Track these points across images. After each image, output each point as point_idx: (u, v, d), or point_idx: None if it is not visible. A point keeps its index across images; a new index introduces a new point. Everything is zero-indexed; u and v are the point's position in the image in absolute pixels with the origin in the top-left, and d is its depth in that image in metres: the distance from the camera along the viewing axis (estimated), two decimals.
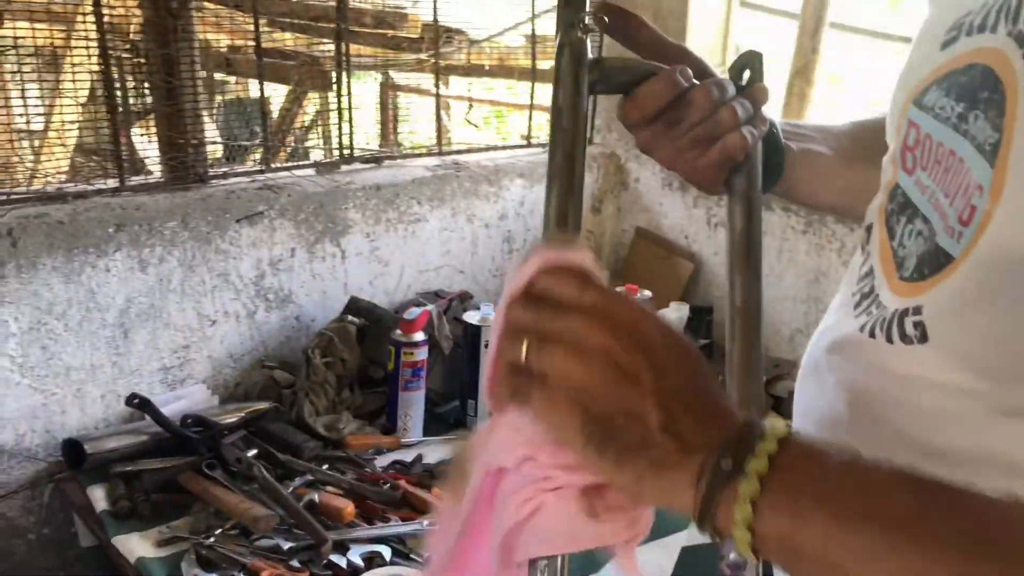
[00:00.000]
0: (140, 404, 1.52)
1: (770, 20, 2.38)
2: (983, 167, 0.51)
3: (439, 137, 2.13)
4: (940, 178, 0.57)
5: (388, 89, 3.37)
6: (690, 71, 0.67)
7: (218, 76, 2.88)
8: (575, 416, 0.44)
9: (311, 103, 3.72)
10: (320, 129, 3.77)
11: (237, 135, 2.14)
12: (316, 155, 3.55)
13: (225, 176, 1.78)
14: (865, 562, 0.40)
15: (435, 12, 2.00)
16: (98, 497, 1.43)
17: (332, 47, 2.06)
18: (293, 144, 3.50)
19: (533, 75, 2.24)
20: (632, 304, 0.46)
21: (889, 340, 0.57)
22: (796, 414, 0.73)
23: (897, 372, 0.57)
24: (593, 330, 0.44)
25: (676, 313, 2.06)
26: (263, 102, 1.87)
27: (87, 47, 1.61)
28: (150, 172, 1.81)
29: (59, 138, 1.66)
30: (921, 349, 0.54)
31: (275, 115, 3.54)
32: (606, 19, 0.67)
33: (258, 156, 2.20)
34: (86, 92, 2.04)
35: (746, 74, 0.71)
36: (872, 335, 0.60)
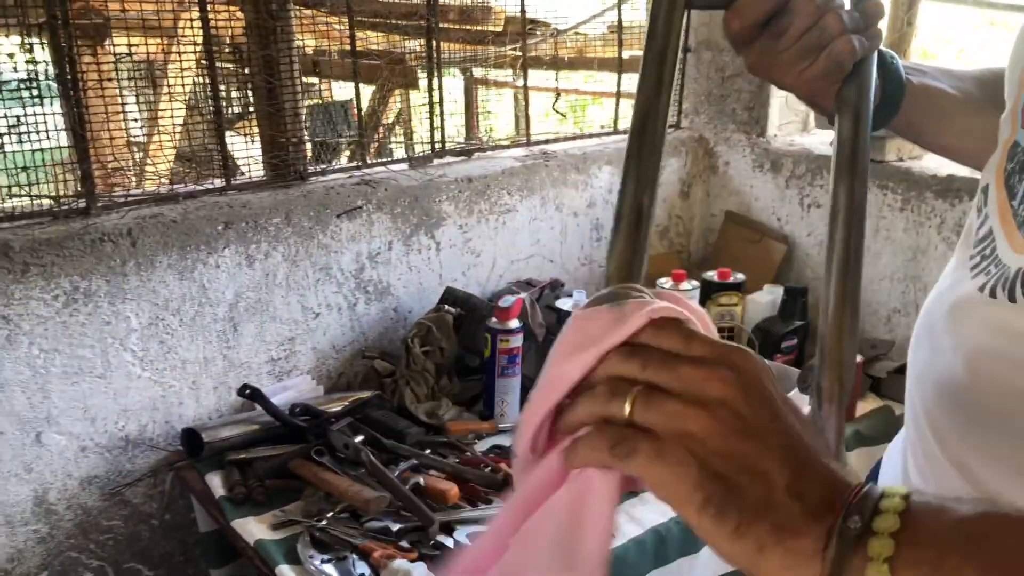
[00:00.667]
0: (251, 395, 1.59)
1: None
2: None
3: (527, 127, 2.15)
4: None
5: (473, 83, 3.41)
6: None
7: (305, 79, 2.97)
8: (691, 472, 0.40)
9: (397, 101, 3.80)
10: (404, 125, 3.85)
11: (325, 138, 2.21)
12: (400, 151, 3.63)
13: (323, 173, 1.83)
14: None
15: (523, 4, 2.01)
16: (216, 484, 1.50)
17: (415, 44, 2.11)
18: (380, 140, 3.58)
19: (620, 63, 2.24)
20: (746, 353, 0.43)
21: (1011, 299, 0.57)
22: (910, 379, 0.72)
23: (1020, 331, 0.57)
24: (711, 379, 0.41)
25: (770, 296, 2.04)
26: (358, 100, 1.91)
27: (195, 52, 1.69)
28: (242, 173, 1.87)
29: (171, 141, 1.74)
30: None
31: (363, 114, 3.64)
32: None
33: (346, 156, 2.26)
34: (187, 97, 2.13)
35: None
36: (993, 295, 0.59)
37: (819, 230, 2.15)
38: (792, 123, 2.34)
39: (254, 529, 1.39)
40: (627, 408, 0.41)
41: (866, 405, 1.82)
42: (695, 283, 2.01)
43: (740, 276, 2.02)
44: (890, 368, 1.82)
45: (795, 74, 0.67)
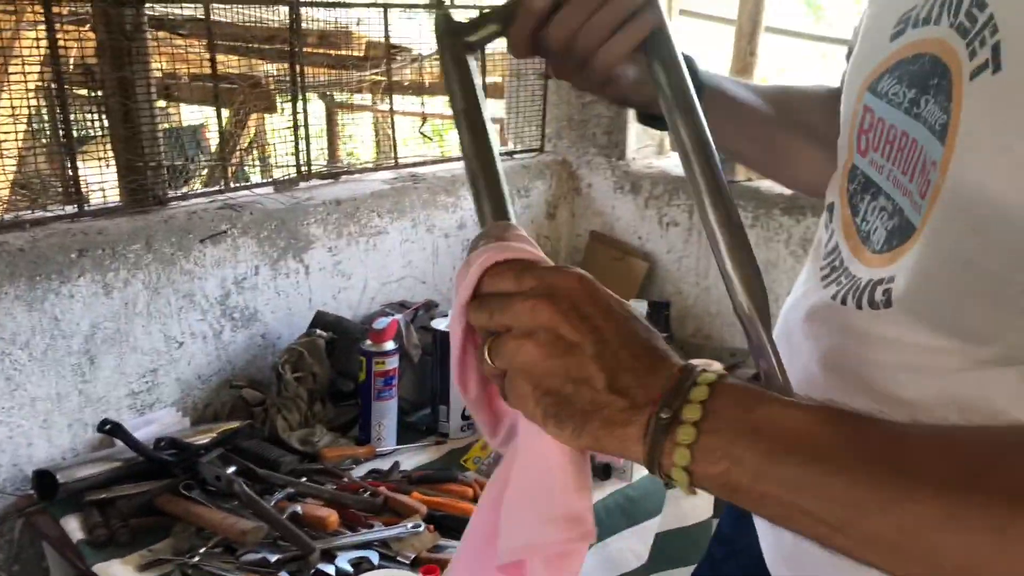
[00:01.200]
0: (112, 430, 1.50)
1: (708, 26, 2.47)
2: (935, 146, 0.55)
3: (395, 150, 2.16)
4: (894, 157, 0.62)
5: (334, 107, 3.38)
6: None
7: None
8: (528, 395, 0.49)
9: (253, 125, 3.71)
10: (261, 149, 3.77)
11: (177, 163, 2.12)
12: (257, 176, 3.54)
13: (185, 197, 1.77)
14: (793, 491, 0.44)
15: (386, 30, 2.02)
16: (73, 527, 1.41)
17: (272, 68, 2.08)
18: (236, 165, 3.48)
19: (484, 88, 2.28)
20: (568, 275, 0.50)
21: (859, 307, 0.62)
22: None
23: (867, 334, 0.62)
24: (534, 310, 0.48)
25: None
26: (220, 123, 1.87)
27: (40, 73, 1.60)
28: (86, 200, 1.77)
29: (13, 166, 1.64)
30: (887, 313, 0.59)
31: (216, 139, 3.53)
32: None
33: (200, 182, 2.19)
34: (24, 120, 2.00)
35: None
36: (844, 303, 0.65)
37: (677, 247, 2.26)
38: (649, 147, 2.45)
39: (119, 572, 1.31)
40: (487, 359, 0.50)
41: None
42: None
43: None
44: (748, 375, 1.93)
45: (589, 75, 0.69)
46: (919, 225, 0.56)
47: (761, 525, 0.82)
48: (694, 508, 1.73)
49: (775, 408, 0.46)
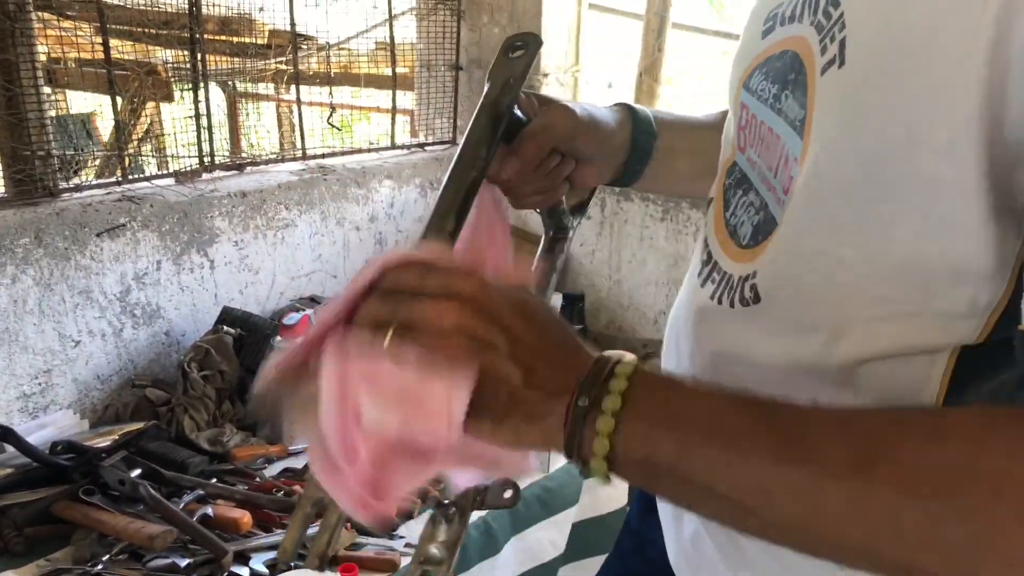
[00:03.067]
0: (2, 435, 1.41)
1: (617, 20, 2.50)
2: (795, 141, 0.56)
3: (302, 141, 2.10)
4: (763, 153, 0.63)
5: (236, 97, 3.27)
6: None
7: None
8: None
9: (147, 114, 3.55)
10: (157, 140, 3.61)
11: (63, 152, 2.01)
12: (152, 167, 3.40)
13: (78, 189, 1.68)
14: (709, 477, 0.45)
15: (292, 18, 1.97)
16: None
17: (168, 54, 1.99)
18: (130, 155, 3.33)
19: (394, 80, 2.26)
20: (473, 279, 0.49)
21: (731, 305, 0.62)
22: None
23: (739, 333, 0.62)
24: (443, 313, 0.47)
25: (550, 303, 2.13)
26: (115, 111, 1.78)
27: None
28: None
29: None
30: (755, 309, 0.60)
31: (107, 129, 3.37)
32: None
33: (90, 173, 2.08)
34: None
35: (518, 53, 0.69)
36: (719, 302, 0.65)
37: (590, 241, 2.28)
38: None
39: None
40: (385, 344, 0.47)
41: None
42: None
43: None
44: (658, 367, 1.96)
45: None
46: (780, 219, 0.58)
47: (665, 522, 0.82)
48: (609, 497, 1.75)
49: (691, 397, 0.48)
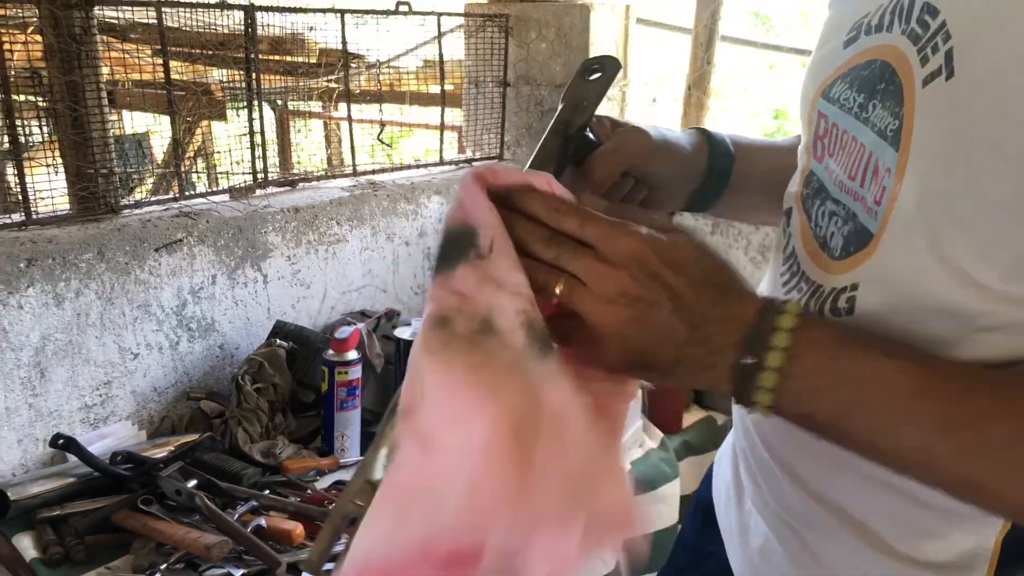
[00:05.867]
0: (66, 445, 1.45)
1: (665, 35, 2.50)
2: (887, 151, 0.56)
3: (353, 158, 2.13)
4: (844, 162, 0.62)
5: (286, 115, 3.34)
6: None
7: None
8: (615, 354, 0.52)
9: (201, 133, 3.64)
10: (208, 157, 3.70)
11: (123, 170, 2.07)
12: (203, 184, 3.47)
13: (138, 205, 1.73)
14: (871, 434, 0.49)
15: (343, 36, 2.00)
16: (26, 546, 1.36)
17: (221, 74, 2.04)
18: (185, 172, 3.41)
19: (443, 97, 2.28)
20: (631, 236, 0.51)
21: (821, 313, 0.62)
22: None
23: None
24: (611, 277, 0.50)
25: None
26: (174, 131, 1.82)
27: None
28: (34, 208, 1.72)
29: None
30: (848, 321, 0.59)
31: (163, 147, 3.46)
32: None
33: (145, 191, 2.13)
34: None
35: (595, 76, 0.71)
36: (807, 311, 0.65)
37: None
38: None
39: None
40: (558, 291, 0.51)
41: (691, 416, 1.93)
42: None
43: None
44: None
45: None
46: (877, 232, 0.57)
47: (728, 535, 0.82)
48: (660, 514, 1.73)
49: (857, 355, 0.50)
